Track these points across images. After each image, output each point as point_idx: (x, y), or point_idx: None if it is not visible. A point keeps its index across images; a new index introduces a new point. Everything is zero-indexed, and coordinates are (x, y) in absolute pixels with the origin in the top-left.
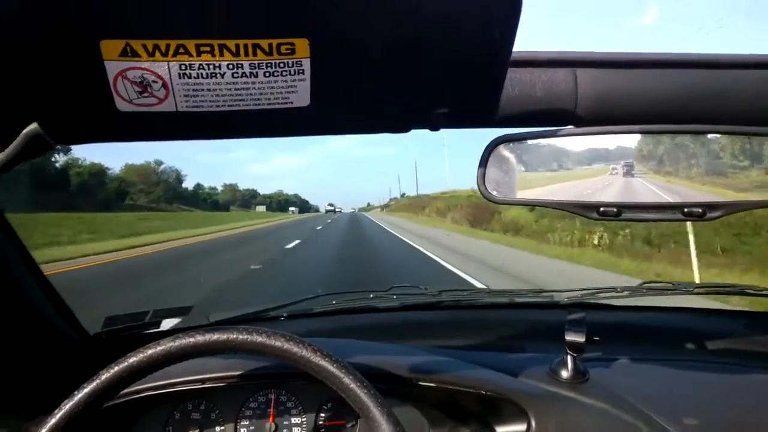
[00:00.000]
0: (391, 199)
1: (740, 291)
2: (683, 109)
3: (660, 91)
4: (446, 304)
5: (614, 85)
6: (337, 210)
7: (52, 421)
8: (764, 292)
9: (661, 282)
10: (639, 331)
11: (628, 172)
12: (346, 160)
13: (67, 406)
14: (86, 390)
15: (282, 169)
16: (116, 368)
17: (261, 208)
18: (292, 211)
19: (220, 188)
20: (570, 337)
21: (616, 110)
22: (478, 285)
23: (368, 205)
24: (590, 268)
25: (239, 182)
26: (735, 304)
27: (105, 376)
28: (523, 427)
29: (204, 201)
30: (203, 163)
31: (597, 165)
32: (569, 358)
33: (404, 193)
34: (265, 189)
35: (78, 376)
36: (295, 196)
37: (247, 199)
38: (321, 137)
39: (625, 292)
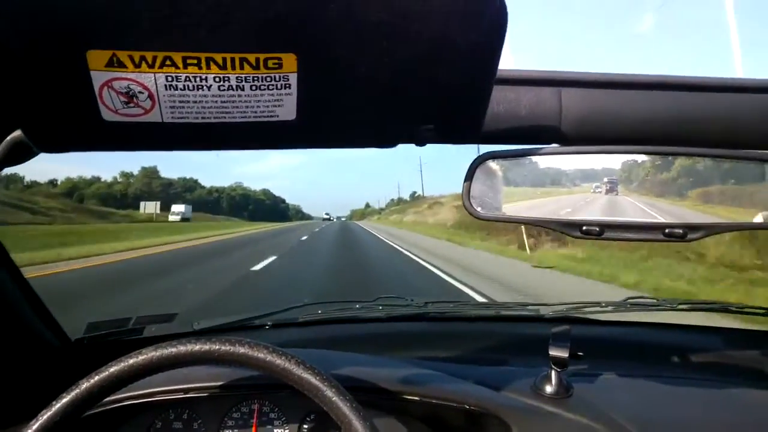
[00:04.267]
0: (390, 201)
1: (723, 308)
2: (668, 131)
3: (645, 113)
4: (432, 315)
5: (599, 105)
6: (332, 218)
7: None
8: (746, 310)
9: (645, 297)
10: (623, 347)
11: (611, 189)
12: (338, 160)
13: (45, 416)
14: (64, 400)
15: (271, 170)
16: (96, 378)
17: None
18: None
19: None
20: (554, 352)
21: (600, 130)
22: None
23: (367, 206)
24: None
25: (227, 182)
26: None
27: (84, 386)
28: None
29: None
30: (197, 161)
31: (583, 185)
32: (553, 373)
33: (400, 197)
34: (224, 181)
35: (59, 382)
36: (264, 192)
37: (180, 194)
38: None
39: (610, 307)
